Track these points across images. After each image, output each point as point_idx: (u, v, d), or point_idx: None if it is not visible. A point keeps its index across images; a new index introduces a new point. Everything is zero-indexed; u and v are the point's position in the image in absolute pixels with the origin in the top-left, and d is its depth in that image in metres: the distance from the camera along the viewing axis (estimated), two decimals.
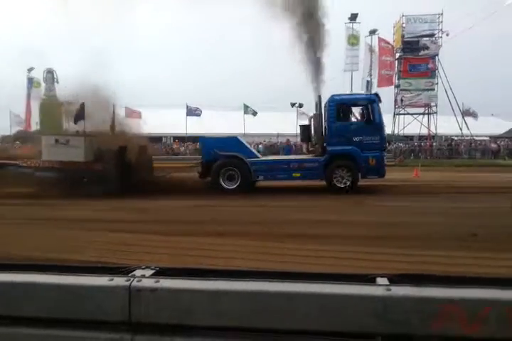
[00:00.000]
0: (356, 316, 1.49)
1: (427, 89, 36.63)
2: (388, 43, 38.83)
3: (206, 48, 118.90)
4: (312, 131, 14.15)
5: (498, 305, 1.44)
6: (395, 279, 1.57)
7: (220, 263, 4.88)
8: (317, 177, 12.84)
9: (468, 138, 36.27)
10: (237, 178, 12.75)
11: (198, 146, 24.14)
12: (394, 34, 38.27)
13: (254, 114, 38.83)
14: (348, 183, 12.39)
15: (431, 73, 36.64)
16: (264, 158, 14.06)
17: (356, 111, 13.28)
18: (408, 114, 38.40)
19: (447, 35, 35.48)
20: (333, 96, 13.21)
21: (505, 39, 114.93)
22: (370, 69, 38.90)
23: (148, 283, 1.61)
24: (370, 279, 1.62)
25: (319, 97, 13.45)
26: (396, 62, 38.25)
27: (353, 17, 38.19)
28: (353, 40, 38.42)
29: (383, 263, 4.85)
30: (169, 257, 5.32)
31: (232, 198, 11.27)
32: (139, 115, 29.51)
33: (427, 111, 37.96)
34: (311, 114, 14.62)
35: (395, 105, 37.92)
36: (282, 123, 39.62)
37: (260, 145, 26.67)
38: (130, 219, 8.22)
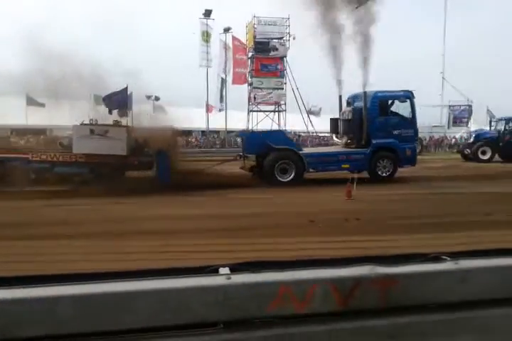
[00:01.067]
0: (199, 307, 1.53)
1: (277, 88, 39.13)
2: (241, 42, 40.34)
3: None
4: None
5: (322, 283, 1.62)
6: (236, 268, 1.65)
7: (52, 268, 4.56)
8: (363, 168, 13.73)
9: (314, 134, 39.99)
10: (289, 171, 13.06)
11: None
12: (247, 34, 39.88)
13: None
14: (389, 172, 13.66)
15: (280, 73, 39.22)
16: (312, 151, 14.92)
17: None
18: (261, 111, 40.54)
19: (294, 38, 38.29)
20: (376, 93, 14.18)
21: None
22: (225, 67, 39.99)
23: None
24: (213, 270, 1.67)
25: (365, 93, 14.14)
26: (249, 61, 39.98)
27: (207, 13, 38.69)
28: (206, 36, 38.96)
29: (227, 254, 5.09)
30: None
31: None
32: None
33: (277, 109, 40.58)
34: (349, 108, 15.23)
35: (248, 102, 39.70)
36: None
37: None
38: None
